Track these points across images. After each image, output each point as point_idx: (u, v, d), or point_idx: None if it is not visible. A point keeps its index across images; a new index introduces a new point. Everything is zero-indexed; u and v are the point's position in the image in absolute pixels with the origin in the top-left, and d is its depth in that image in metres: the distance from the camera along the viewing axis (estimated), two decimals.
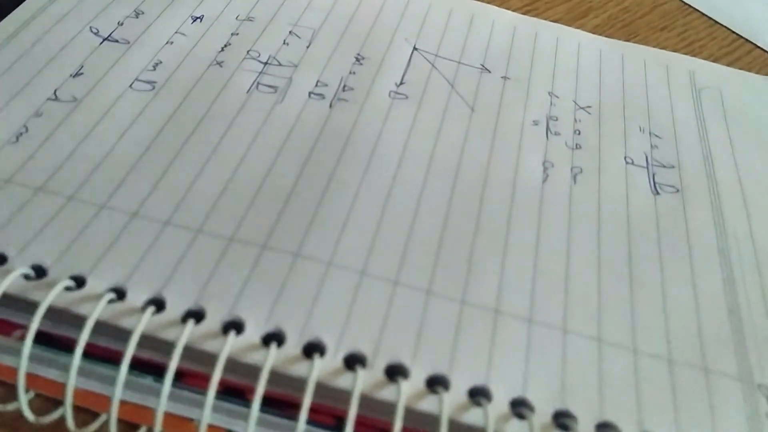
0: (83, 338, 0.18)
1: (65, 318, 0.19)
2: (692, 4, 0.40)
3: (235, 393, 0.20)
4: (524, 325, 0.21)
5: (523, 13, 0.35)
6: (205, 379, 0.18)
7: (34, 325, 0.18)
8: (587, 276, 0.23)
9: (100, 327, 0.19)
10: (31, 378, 0.20)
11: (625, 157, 0.27)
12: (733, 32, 0.38)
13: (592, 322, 0.21)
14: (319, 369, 0.19)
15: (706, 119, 0.30)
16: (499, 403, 0.19)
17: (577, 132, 0.28)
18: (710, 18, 0.39)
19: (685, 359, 0.21)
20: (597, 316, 0.22)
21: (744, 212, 0.26)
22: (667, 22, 0.37)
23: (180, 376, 0.19)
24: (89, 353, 0.19)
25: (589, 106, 0.30)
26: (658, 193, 0.26)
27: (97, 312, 0.19)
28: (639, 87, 0.31)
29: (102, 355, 0.20)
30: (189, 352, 0.19)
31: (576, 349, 0.21)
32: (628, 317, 0.22)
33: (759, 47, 0.37)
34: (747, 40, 0.37)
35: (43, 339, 0.19)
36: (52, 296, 0.19)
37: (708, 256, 0.24)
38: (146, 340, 0.19)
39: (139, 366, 0.19)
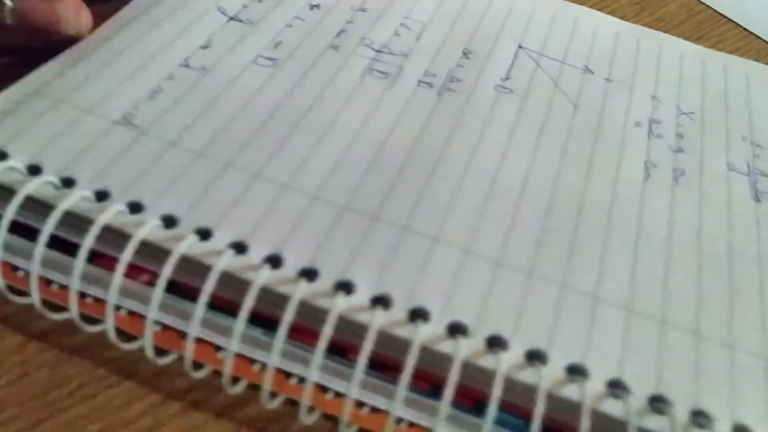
0: (207, 288, 0.20)
1: (191, 267, 0.21)
2: (726, 14, 0.39)
3: (338, 352, 0.21)
4: (622, 313, 0.22)
5: None
6: (313, 336, 0.19)
7: (166, 272, 0.20)
8: (687, 272, 0.23)
9: (221, 278, 0.20)
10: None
11: (727, 163, 0.28)
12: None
13: (690, 315, 0.22)
14: (423, 333, 0.20)
15: None
16: (596, 381, 0.20)
17: (680, 136, 0.28)
18: (744, 28, 0.39)
19: None
20: (695, 310, 0.22)
21: None
22: (701, 32, 0.37)
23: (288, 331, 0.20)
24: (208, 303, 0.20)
25: (692, 113, 0.30)
26: (759, 200, 0.26)
27: (222, 264, 0.20)
28: (741, 98, 0.31)
29: (219, 306, 0.21)
30: (300, 308, 0.20)
31: (672, 339, 0.21)
32: (727, 313, 0.22)
33: None
34: None
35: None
36: (183, 247, 0.20)
37: None
38: (264, 293, 0.20)
39: (252, 319, 0.20)
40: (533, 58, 0.31)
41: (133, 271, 0.21)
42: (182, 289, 0.21)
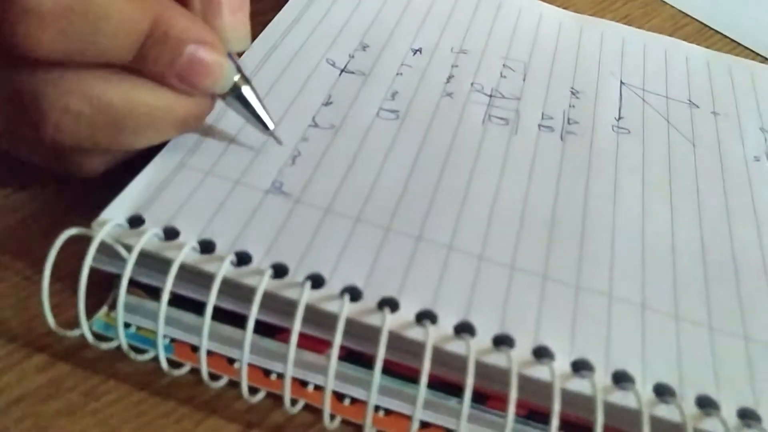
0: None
1: (402, 346, 0.21)
2: (713, 26, 0.40)
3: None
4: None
5: None
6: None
7: (337, 340, 0.20)
8: None
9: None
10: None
11: None
12: (758, 54, 0.39)
13: None
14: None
15: None
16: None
17: None
18: (733, 40, 0.40)
19: None
20: None
21: None
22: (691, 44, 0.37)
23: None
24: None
25: None
26: None
27: (430, 340, 0.20)
28: None
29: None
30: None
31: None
32: None
33: None
34: None
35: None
36: (387, 326, 0.20)
37: None
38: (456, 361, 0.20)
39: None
40: (638, 95, 0.32)
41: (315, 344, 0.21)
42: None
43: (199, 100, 0.23)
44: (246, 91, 0.24)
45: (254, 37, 0.30)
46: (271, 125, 0.25)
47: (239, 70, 0.24)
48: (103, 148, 0.23)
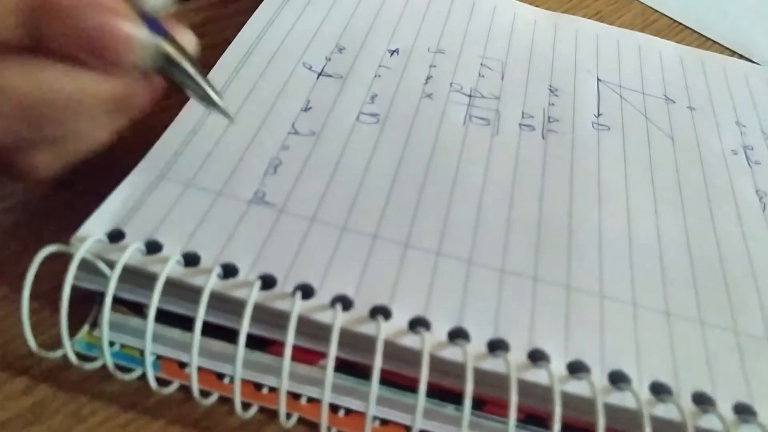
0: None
1: (400, 355, 0.20)
2: (683, 21, 0.41)
3: None
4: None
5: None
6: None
7: (332, 350, 0.19)
8: None
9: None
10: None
11: None
12: (726, 48, 0.39)
13: None
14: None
15: None
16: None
17: None
18: (702, 34, 0.40)
19: None
20: None
21: None
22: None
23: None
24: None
25: None
26: None
27: (427, 348, 0.20)
28: None
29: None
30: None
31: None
32: None
33: (754, 62, 0.38)
34: (741, 56, 0.39)
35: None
36: (383, 334, 0.20)
37: None
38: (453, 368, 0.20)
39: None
40: (615, 91, 0.32)
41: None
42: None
43: (127, 78, 0.20)
44: (180, 60, 0.21)
45: (229, 41, 0.30)
46: (217, 99, 0.22)
47: (166, 36, 0.21)
48: (41, 145, 0.21)
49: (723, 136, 0.30)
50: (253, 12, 0.32)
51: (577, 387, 0.20)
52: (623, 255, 0.24)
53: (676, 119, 0.31)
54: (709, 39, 0.40)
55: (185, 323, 0.21)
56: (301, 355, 0.21)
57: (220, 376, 0.22)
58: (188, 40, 0.22)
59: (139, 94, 0.21)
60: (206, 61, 0.29)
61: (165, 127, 0.26)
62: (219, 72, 0.28)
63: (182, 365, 0.22)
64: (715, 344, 0.22)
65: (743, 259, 0.25)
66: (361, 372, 0.21)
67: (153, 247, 0.21)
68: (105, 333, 0.20)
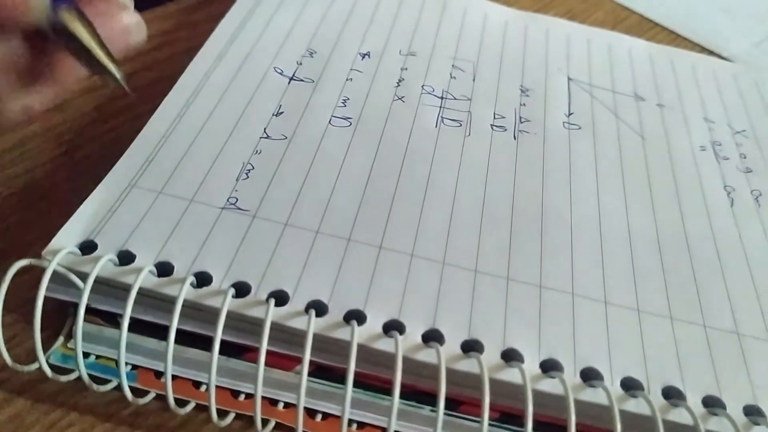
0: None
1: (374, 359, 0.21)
2: (653, 18, 0.42)
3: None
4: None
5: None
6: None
7: (306, 356, 0.19)
8: None
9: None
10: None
11: None
12: (696, 44, 0.40)
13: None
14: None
15: None
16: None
17: (743, 156, 0.30)
18: (672, 31, 0.41)
19: None
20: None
21: None
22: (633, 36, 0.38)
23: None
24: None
25: (743, 130, 0.31)
26: None
27: (400, 353, 0.20)
28: None
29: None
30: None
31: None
32: None
33: (723, 58, 0.39)
34: (711, 51, 0.39)
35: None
36: (357, 338, 0.20)
37: None
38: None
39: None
40: (586, 90, 0.32)
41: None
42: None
43: (13, 41, 0.19)
44: (73, 24, 0.19)
45: (200, 47, 0.30)
46: (112, 69, 0.20)
47: (71, 4, 0.19)
48: None
49: (692, 132, 0.31)
50: (223, 18, 0.32)
51: (550, 385, 0.20)
52: (595, 253, 0.24)
53: (646, 117, 0.31)
54: (679, 35, 0.41)
55: (160, 332, 0.21)
56: (276, 360, 0.21)
57: (197, 384, 0.22)
58: (132, 20, 0.21)
59: (24, 55, 0.20)
60: (177, 66, 0.29)
61: (137, 133, 0.26)
62: (189, 78, 0.28)
63: (158, 374, 0.22)
64: (685, 339, 0.22)
65: (712, 254, 0.25)
66: (338, 376, 0.21)
67: (125, 258, 0.21)
68: (79, 346, 0.20)
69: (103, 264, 0.21)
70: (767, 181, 0.29)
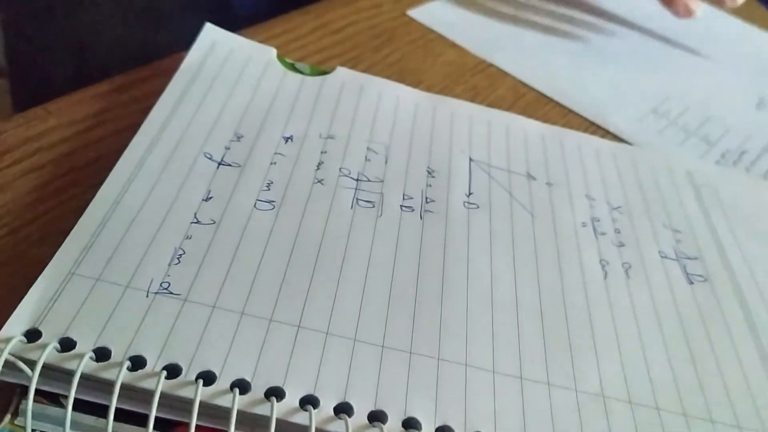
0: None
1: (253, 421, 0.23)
2: (548, 94, 0.47)
3: None
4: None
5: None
6: None
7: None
8: (656, 354, 0.29)
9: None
10: None
11: (659, 252, 0.34)
12: (586, 119, 0.46)
13: (648, 391, 0.27)
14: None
15: (710, 214, 0.37)
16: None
17: (617, 231, 0.34)
18: (565, 107, 0.46)
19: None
20: (650, 384, 0.27)
21: (758, 294, 0.32)
22: (529, 113, 0.43)
23: None
24: None
25: (619, 207, 0.36)
26: (691, 282, 0.32)
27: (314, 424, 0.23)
28: (652, 187, 0.38)
29: None
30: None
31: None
32: (695, 386, 0.28)
33: (610, 132, 0.45)
34: (599, 126, 0.45)
35: None
36: (277, 413, 0.23)
37: (742, 332, 0.30)
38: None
39: None
40: (485, 170, 0.36)
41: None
42: None
43: None
44: None
45: (131, 127, 0.32)
46: None
47: None
48: None
49: (575, 209, 0.35)
50: (155, 96, 0.35)
51: None
52: (486, 326, 0.28)
53: (536, 195, 0.35)
54: (571, 111, 0.46)
55: (100, 410, 0.23)
56: None
57: None
58: None
59: None
60: (111, 146, 0.31)
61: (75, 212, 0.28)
62: (125, 164, 0.31)
63: None
64: (560, 404, 0.26)
65: (585, 323, 0.29)
66: None
67: (67, 345, 0.24)
68: (28, 425, 0.22)
69: (47, 353, 0.23)
70: (636, 253, 0.33)
